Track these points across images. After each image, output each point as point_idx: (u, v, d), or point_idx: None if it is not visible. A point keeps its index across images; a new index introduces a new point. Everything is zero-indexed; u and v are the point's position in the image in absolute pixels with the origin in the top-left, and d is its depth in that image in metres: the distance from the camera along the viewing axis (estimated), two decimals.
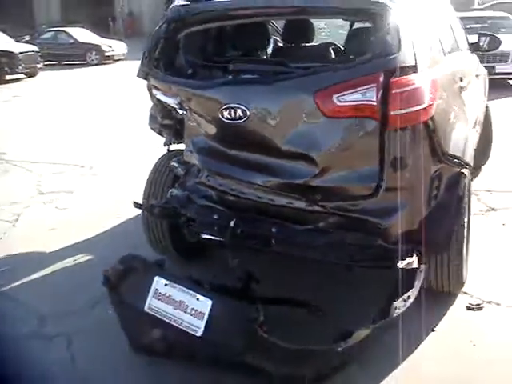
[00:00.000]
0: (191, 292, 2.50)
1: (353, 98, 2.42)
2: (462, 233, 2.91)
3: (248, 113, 2.62)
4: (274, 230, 2.70)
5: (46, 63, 18.04)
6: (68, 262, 3.87)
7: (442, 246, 2.75)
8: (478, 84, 4.35)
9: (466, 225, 3.02)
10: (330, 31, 6.32)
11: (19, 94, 13.10)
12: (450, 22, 3.90)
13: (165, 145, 3.39)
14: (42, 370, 2.67)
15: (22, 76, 16.40)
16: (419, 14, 2.92)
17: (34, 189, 5.58)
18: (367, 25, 2.78)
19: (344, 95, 2.42)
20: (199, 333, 2.42)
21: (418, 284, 2.47)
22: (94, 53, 20.13)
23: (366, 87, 2.40)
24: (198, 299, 2.47)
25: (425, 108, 2.48)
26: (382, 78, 2.39)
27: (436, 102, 2.56)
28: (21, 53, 15.99)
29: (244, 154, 2.75)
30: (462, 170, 2.89)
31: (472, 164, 3.07)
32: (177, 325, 2.48)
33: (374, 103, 2.40)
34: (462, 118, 3.11)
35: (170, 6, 3.02)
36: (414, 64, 2.47)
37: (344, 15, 2.89)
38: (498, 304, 3.06)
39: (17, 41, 18.60)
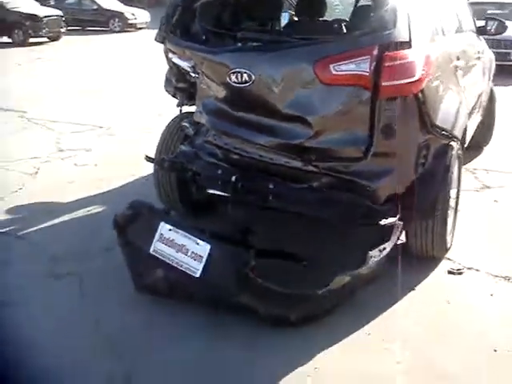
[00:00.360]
0: (192, 237, 2.76)
1: (348, 68, 2.66)
2: (448, 202, 3.12)
3: (253, 77, 2.86)
4: (271, 186, 2.95)
5: (69, 28, 18.26)
6: (83, 211, 4.16)
7: (426, 212, 2.98)
8: (480, 66, 4.49)
9: (452, 195, 3.23)
10: (343, 8, 6.49)
11: (42, 57, 13.39)
12: (454, 5, 4.06)
13: (178, 106, 3.63)
14: (51, 303, 2.95)
15: (46, 39, 16.68)
16: None
17: (54, 146, 5.87)
18: (369, 3, 2.95)
19: (340, 65, 2.66)
20: (197, 274, 2.69)
21: (393, 238, 2.70)
22: (116, 20, 20.29)
23: (360, 58, 2.63)
24: (197, 243, 2.74)
25: (415, 81, 2.69)
26: (375, 51, 2.62)
27: (428, 77, 2.76)
28: (45, 16, 16.26)
29: (248, 116, 2.99)
30: (450, 143, 3.09)
31: (460, 137, 3.25)
32: (178, 266, 2.75)
33: (367, 73, 2.62)
34: (455, 94, 3.30)
35: None
36: (407, 40, 2.68)
37: None
38: (477, 270, 3.28)
39: (42, 4, 18.87)
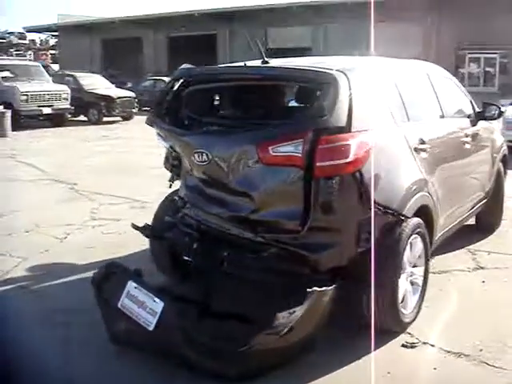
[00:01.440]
0: (151, 295, 3.13)
1: (284, 149, 3.06)
2: (396, 277, 3.30)
3: (210, 157, 3.29)
4: (225, 254, 3.30)
5: (144, 108, 19.81)
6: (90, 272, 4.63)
7: (371, 285, 3.19)
8: (474, 150, 4.69)
9: (416, 272, 3.50)
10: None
11: (109, 135, 14.68)
12: (435, 90, 4.34)
13: (169, 181, 4.10)
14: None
15: (118, 119, 18.21)
16: (377, 86, 3.48)
17: (89, 215, 6.50)
18: (314, 89, 3.32)
19: (277, 147, 3.04)
20: (151, 327, 3.04)
21: (306, 304, 2.90)
22: None
23: (294, 142, 3.02)
24: (154, 301, 3.10)
25: (350, 162, 3.02)
26: (309, 135, 2.99)
27: (367, 159, 3.08)
28: (118, 98, 17.82)
29: (210, 190, 3.45)
30: (399, 220, 3.30)
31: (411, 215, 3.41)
32: (137, 320, 3.11)
33: (300, 155, 2.99)
34: (409, 176, 3.51)
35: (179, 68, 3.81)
36: (343, 125, 3.04)
37: (299, 82, 3.49)
38: (432, 345, 3.38)
39: (118, 86, 20.73)
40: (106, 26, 35.70)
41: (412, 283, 3.63)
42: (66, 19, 37.61)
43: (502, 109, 5.12)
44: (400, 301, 3.42)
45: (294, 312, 2.85)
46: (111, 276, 3.37)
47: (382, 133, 3.35)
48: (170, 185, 4.13)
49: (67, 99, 16.23)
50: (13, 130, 14.12)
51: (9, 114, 13.87)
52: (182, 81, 3.76)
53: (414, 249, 3.57)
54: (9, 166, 9.86)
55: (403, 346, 3.37)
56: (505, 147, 5.71)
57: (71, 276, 4.57)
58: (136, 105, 18.89)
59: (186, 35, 33.64)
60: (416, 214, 3.54)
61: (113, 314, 3.26)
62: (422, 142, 3.72)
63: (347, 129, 3.06)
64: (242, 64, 3.73)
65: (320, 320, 3.01)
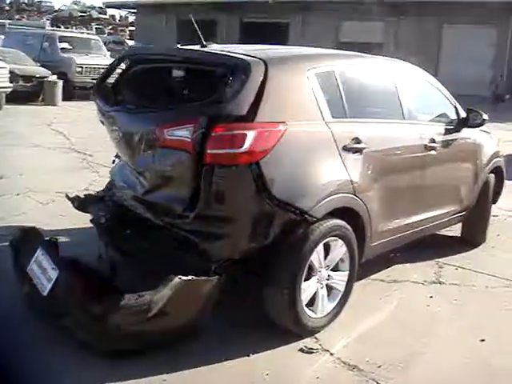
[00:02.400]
0: (52, 263, 3.23)
1: (178, 133, 3.05)
2: (298, 277, 3.20)
3: (120, 135, 3.33)
4: (128, 231, 3.37)
5: None
6: None
7: (271, 281, 3.15)
8: (441, 159, 4.47)
9: (316, 272, 3.36)
10: None
11: None
12: (398, 91, 4.11)
13: (115, 157, 4.19)
14: None
15: None
16: (308, 79, 3.36)
17: (85, 185, 6.69)
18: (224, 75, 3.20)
19: (171, 131, 3.05)
20: (45, 292, 3.15)
21: (161, 290, 2.87)
22: None
23: (186, 126, 3.00)
24: (52, 268, 3.19)
25: (244, 152, 2.95)
26: (202, 121, 2.94)
27: (268, 151, 3.01)
28: None
29: (123, 168, 3.55)
30: (304, 219, 3.17)
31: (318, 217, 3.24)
32: (38, 285, 3.23)
33: (189, 140, 2.97)
34: (326, 174, 3.35)
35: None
36: (243, 114, 2.98)
37: (214, 67, 3.39)
38: (331, 354, 3.28)
39: None
40: (183, 7, 36.29)
41: (330, 287, 3.54)
42: None
43: (485, 116, 4.82)
44: (305, 303, 3.34)
45: (143, 296, 2.85)
46: (27, 241, 3.50)
47: (298, 127, 3.24)
48: (113, 161, 4.22)
49: None
50: (64, 99, 14.71)
51: (60, 84, 14.42)
52: (126, 60, 3.83)
53: (332, 251, 3.46)
54: (41, 133, 10.30)
55: (300, 350, 3.28)
56: (499, 158, 5.38)
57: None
58: None
59: (259, 22, 33.70)
60: (340, 216, 3.44)
61: (23, 277, 3.39)
62: (358, 142, 3.55)
63: (248, 118, 2.98)
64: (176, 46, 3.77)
65: (198, 310, 2.99)
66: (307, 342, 3.37)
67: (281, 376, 3.05)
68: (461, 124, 4.73)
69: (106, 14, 47.57)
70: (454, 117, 4.76)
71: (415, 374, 3.15)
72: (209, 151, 2.94)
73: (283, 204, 3.09)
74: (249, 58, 3.22)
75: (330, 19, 31.74)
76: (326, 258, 3.45)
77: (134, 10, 40.70)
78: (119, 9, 43.43)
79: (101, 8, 46.23)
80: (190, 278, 2.88)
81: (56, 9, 46.22)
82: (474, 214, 5.14)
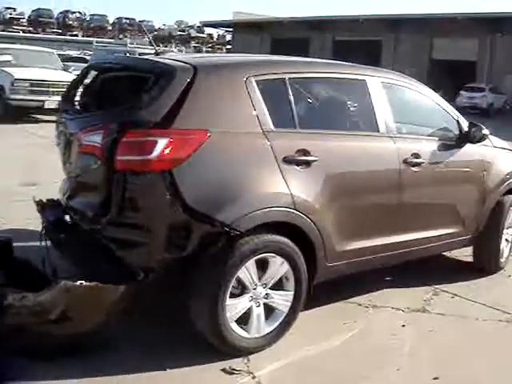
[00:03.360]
0: None
1: (92, 139, 3.03)
2: (220, 292, 3.03)
3: (67, 136, 3.53)
4: (62, 235, 3.39)
5: None
6: None
7: (195, 293, 3.05)
8: (431, 177, 4.10)
9: (248, 290, 3.18)
10: None
11: None
12: (372, 103, 3.81)
13: None
14: None
15: None
16: (247, 87, 3.20)
17: None
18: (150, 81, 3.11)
19: (87, 136, 3.05)
20: None
21: (44, 293, 2.84)
22: None
23: (97, 132, 2.97)
24: None
25: (154, 160, 2.85)
26: (113, 127, 2.91)
27: (182, 159, 2.90)
28: None
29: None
30: (224, 233, 2.98)
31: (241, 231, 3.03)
32: None
33: (99, 146, 2.94)
34: (258, 186, 3.16)
35: None
36: (157, 121, 2.89)
37: (146, 73, 3.24)
38: (253, 378, 3.06)
39: None
40: (276, 26, 36.98)
41: (270, 307, 3.31)
42: (240, 17, 39.71)
43: (485, 131, 4.35)
44: (233, 320, 3.15)
45: (26, 297, 2.83)
46: None
47: (226, 136, 3.09)
48: None
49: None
50: None
51: None
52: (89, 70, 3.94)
53: (270, 268, 3.25)
54: None
55: (223, 369, 3.09)
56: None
57: None
58: None
59: (352, 40, 33.53)
60: (280, 232, 3.22)
61: None
62: (305, 154, 3.33)
63: (163, 125, 2.89)
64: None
65: (105, 316, 2.93)
66: (237, 362, 3.17)
67: None
68: (461, 139, 4.32)
69: (203, 33, 49.41)
70: (454, 132, 4.36)
71: None
72: (119, 157, 2.88)
73: (200, 215, 2.94)
74: (178, 64, 3.15)
75: (422, 36, 30.86)
76: (263, 275, 3.25)
77: (230, 29, 41.98)
78: (216, 28, 45.03)
79: (199, 27, 48.13)
80: (93, 284, 2.83)
81: (156, 28, 48.76)
82: (483, 238, 4.65)
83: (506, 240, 4.96)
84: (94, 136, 3.01)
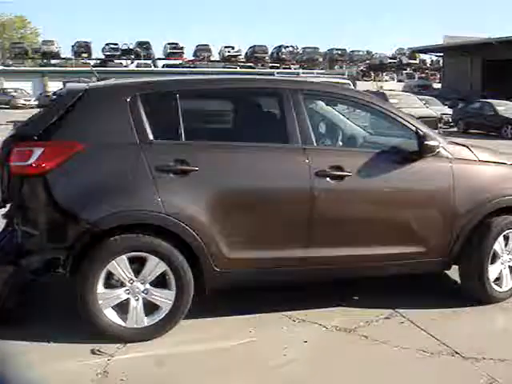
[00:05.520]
0: None
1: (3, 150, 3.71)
2: (90, 285, 3.49)
3: None
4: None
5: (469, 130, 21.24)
6: None
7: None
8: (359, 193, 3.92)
9: (124, 285, 3.58)
10: None
11: None
12: (284, 115, 3.83)
13: None
14: None
15: None
16: (130, 104, 3.66)
17: None
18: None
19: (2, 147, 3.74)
20: None
21: None
22: (509, 127, 19.81)
23: (5, 144, 3.69)
24: None
25: (29, 165, 3.47)
26: (8, 139, 3.65)
27: (60, 166, 3.48)
28: (419, 117, 17.78)
29: None
30: (89, 230, 3.46)
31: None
32: None
33: (3, 155, 3.63)
34: (124, 193, 3.57)
35: None
36: (35, 134, 3.54)
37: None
38: (108, 360, 3.40)
39: (450, 107, 22.52)
40: (487, 47, 34.51)
41: (151, 302, 3.63)
42: (452, 41, 38.06)
43: (433, 142, 3.89)
44: (105, 307, 3.54)
45: None
46: None
47: (100, 147, 3.58)
48: None
49: None
50: None
51: None
52: None
53: (146, 266, 3.58)
54: None
55: (92, 350, 3.50)
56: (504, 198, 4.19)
57: None
58: (442, 125, 18.66)
59: None
60: (157, 234, 3.56)
61: None
62: (182, 163, 3.59)
63: (42, 138, 3.52)
64: None
65: None
66: (111, 346, 3.53)
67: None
68: (413, 153, 3.97)
69: (415, 59, 48.08)
70: (407, 144, 4.02)
71: None
72: (11, 163, 3.56)
73: (69, 214, 3.51)
74: (77, 86, 3.75)
75: None
76: (139, 272, 3.60)
77: (440, 54, 40.38)
78: (425, 53, 43.60)
79: (410, 53, 47.07)
80: None
81: (369, 57, 48.82)
82: (464, 263, 4.18)
83: (510, 267, 4.34)
84: (5, 148, 3.71)
